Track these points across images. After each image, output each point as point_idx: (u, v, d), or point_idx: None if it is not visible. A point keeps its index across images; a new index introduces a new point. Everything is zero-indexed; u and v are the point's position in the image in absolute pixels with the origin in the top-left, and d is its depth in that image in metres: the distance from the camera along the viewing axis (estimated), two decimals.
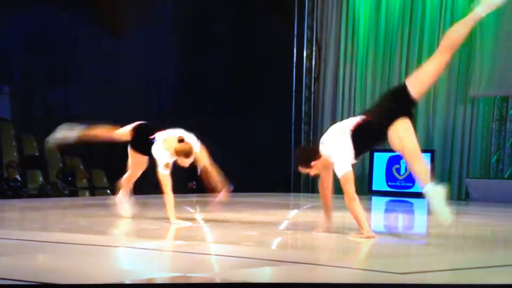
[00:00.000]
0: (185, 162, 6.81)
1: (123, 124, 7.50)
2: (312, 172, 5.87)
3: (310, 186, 16.02)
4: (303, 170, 5.91)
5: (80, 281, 3.77)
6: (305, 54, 16.01)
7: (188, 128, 7.12)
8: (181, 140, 6.80)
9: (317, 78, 15.93)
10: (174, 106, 16.49)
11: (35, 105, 16.42)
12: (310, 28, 15.95)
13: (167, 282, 3.87)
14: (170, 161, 6.89)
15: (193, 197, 11.32)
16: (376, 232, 6.18)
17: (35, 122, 16.10)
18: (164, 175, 6.87)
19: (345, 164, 5.71)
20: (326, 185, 6.03)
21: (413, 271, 4.30)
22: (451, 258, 5.09)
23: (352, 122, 5.87)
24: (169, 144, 6.88)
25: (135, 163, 7.33)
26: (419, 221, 7.43)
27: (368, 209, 8.70)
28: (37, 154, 15.10)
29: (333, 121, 15.56)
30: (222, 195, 6.93)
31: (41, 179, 14.17)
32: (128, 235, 6.54)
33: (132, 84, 16.12)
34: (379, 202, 12.38)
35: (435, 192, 5.48)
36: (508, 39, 13.08)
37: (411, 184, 13.49)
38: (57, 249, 5.28)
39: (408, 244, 5.97)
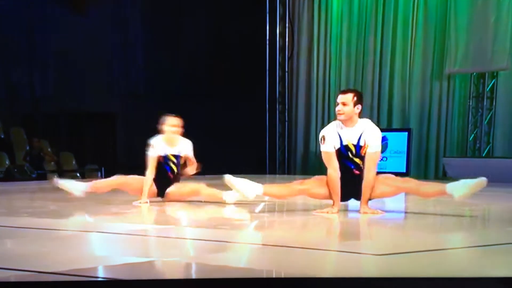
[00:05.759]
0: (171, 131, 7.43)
1: None
2: None
3: (286, 167, 15.83)
4: None
5: (53, 267, 3.70)
6: (278, 32, 15.71)
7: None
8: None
9: (290, 57, 15.67)
10: (146, 88, 16.23)
11: None
12: (283, 4, 15.65)
13: (142, 267, 3.82)
14: (155, 142, 7.43)
15: None
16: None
17: None
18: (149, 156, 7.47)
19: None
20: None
21: (390, 253, 4.22)
22: (428, 239, 5.03)
23: None
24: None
25: None
26: (397, 200, 7.39)
27: None
28: (2, 136, 14.90)
29: (308, 100, 15.40)
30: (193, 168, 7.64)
31: (7, 162, 14.10)
32: (99, 219, 6.44)
33: (100, 65, 15.83)
34: None
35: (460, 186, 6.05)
36: (482, 15, 12.95)
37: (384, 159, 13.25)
38: (26, 235, 5.21)
39: (385, 224, 5.95)
